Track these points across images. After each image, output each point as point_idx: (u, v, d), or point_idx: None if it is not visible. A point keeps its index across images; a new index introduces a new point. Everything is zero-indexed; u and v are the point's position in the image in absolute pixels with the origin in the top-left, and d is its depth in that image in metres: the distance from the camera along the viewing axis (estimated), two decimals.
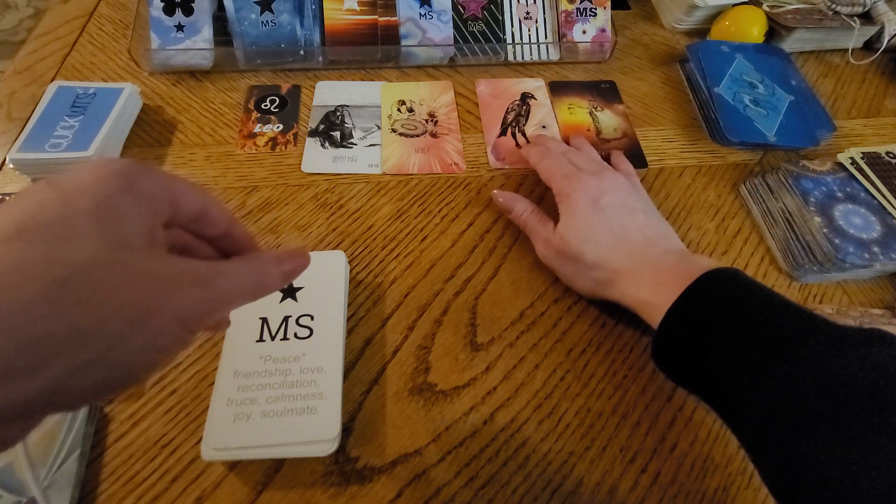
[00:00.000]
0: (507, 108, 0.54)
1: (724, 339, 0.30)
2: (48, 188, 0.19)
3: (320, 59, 0.56)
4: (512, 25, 0.58)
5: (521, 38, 0.58)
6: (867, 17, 0.61)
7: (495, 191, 0.45)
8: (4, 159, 0.46)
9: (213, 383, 0.33)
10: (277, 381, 0.33)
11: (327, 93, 0.54)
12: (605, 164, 0.44)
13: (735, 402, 0.29)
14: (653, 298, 0.34)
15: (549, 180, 0.42)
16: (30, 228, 0.18)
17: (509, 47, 0.58)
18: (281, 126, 0.51)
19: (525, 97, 0.55)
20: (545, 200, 0.47)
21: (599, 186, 0.40)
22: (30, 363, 0.16)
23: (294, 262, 0.24)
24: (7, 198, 0.42)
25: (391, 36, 0.55)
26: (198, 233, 0.24)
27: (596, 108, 0.55)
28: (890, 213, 0.42)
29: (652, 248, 0.37)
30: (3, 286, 0.16)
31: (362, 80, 0.56)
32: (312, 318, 0.36)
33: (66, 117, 0.45)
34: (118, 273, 0.18)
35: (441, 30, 0.56)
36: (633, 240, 0.37)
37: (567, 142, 0.49)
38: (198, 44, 0.53)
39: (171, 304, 0.19)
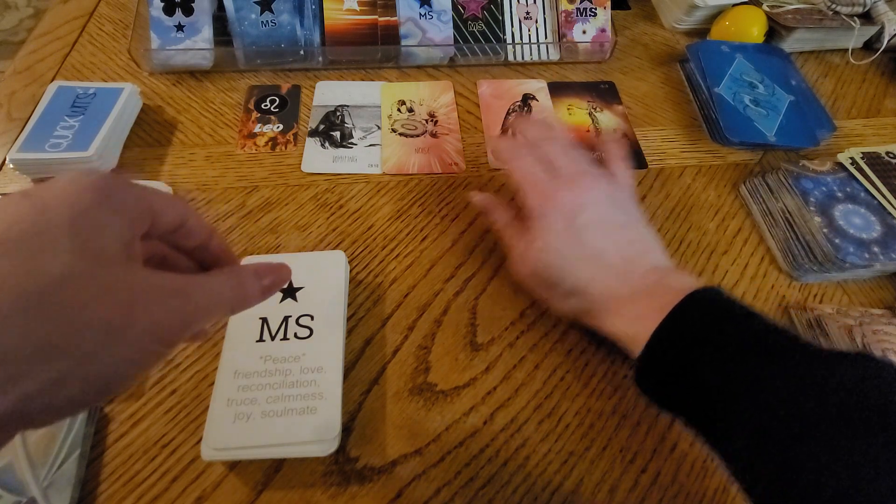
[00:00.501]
0: (509, 109, 0.54)
1: (715, 352, 0.29)
2: (23, 201, 0.19)
3: (320, 59, 0.56)
4: (512, 25, 0.58)
5: (521, 38, 0.58)
6: (867, 17, 0.61)
7: (472, 192, 0.43)
8: (4, 159, 0.46)
9: (213, 383, 0.33)
10: (277, 381, 0.33)
11: (327, 93, 0.54)
12: (586, 162, 0.39)
13: (729, 413, 0.28)
14: (634, 332, 0.32)
15: (528, 189, 0.38)
16: (4, 241, 0.17)
17: (509, 47, 0.58)
18: (281, 126, 0.51)
19: (526, 98, 0.55)
20: None
21: (577, 201, 0.36)
22: (1, 378, 0.16)
23: (274, 276, 0.24)
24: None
25: (391, 36, 0.55)
26: (176, 244, 0.24)
27: (595, 109, 0.55)
28: (890, 213, 0.42)
29: (630, 273, 0.35)
30: None
31: (362, 80, 0.56)
32: (312, 318, 0.36)
33: (66, 117, 0.45)
34: (93, 286, 0.18)
35: (441, 30, 0.56)
36: (610, 265, 0.35)
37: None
38: (198, 44, 0.53)
39: (147, 317, 0.19)
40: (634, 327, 0.32)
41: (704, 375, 0.29)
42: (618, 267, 0.35)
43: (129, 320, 0.19)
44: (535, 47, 0.58)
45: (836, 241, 0.40)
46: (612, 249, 0.36)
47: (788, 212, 0.44)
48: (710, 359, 0.29)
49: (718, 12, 0.62)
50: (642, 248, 0.36)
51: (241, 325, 0.35)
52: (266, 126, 0.51)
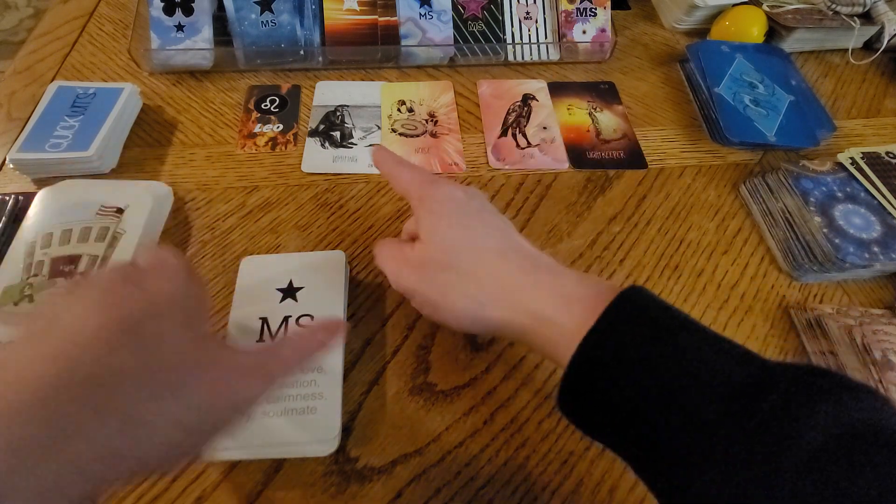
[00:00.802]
0: (509, 109, 0.54)
1: (661, 378, 0.24)
2: (136, 291, 0.22)
3: (320, 59, 0.56)
4: (512, 25, 0.58)
5: (521, 38, 0.58)
6: (867, 17, 0.61)
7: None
8: (4, 159, 0.46)
9: None
10: None
11: (327, 93, 0.54)
12: None
13: (689, 450, 0.22)
14: (557, 316, 0.27)
15: (407, 186, 0.33)
16: (131, 328, 0.21)
17: (509, 47, 0.57)
18: (281, 126, 0.51)
19: (526, 98, 0.55)
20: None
21: (465, 189, 0.32)
22: (130, 443, 0.20)
23: (328, 334, 0.27)
24: (7, 198, 0.42)
25: (391, 36, 0.55)
26: None
27: (595, 109, 0.55)
28: (890, 213, 0.42)
29: (541, 258, 0.30)
30: (108, 384, 0.19)
31: (362, 80, 0.56)
32: (312, 318, 0.35)
33: (66, 117, 0.46)
34: (199, 368, 0.22)
35: (441, 30, 0.56)
36: (517, 246, 0.30)
37: None
38: (198, 44, 0.53)
39: (236, 395, 0.23)
40: (558, 311, 0.27)
41: (661, 395, 0.23)
42: (527, 251, 0.30)
43: (222, 399, 0.22)
44: (535, 47, 0.58)
45: (836, 241, 0.40)
46: (514, 233, 0.31)
47: (788, 212, 0.44)
48: (658, 383, 0.23)
49: (718, 12, 0.61)
50: (526, 246, 0.32)
51: (242, 326, 0.35)
52: (266, 126, 0.51)
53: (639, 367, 0.24)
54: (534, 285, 0.28)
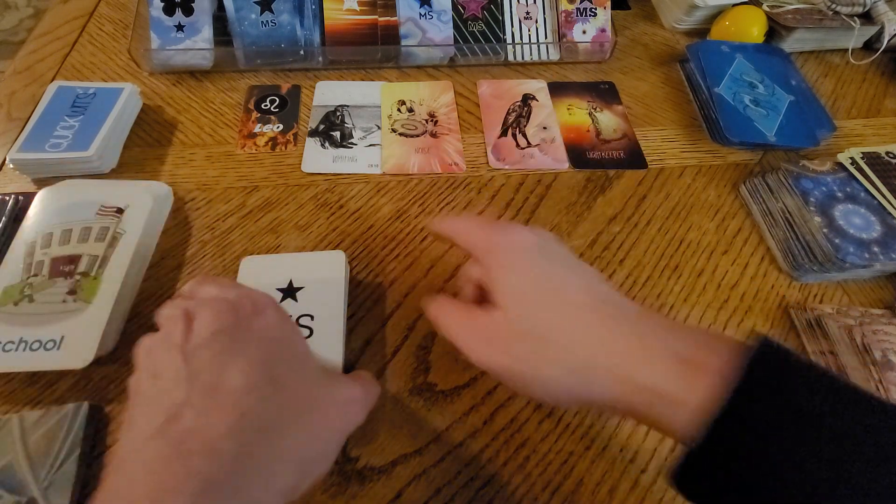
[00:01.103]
0: (509, 109, 0.54)
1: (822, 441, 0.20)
2: (248, 332, 0.25)
3: (320, 59, 0.56)
4: (512, 25, 0.58)
5: (521, 38, 0.58)
6: (867, 17, 0.61)
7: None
8: (4, 159, 0.46)
9: None
10: None
11: (327, 93, 0.54)
12: None
13: None
14: (673, 390, 0.22)
15: (470, 237, 0.29)
16: (264, 372, 0.24)
17: (509, 47, 0.58)
18: (281, 126, 0.51)
19: (526, 98, 0.55)
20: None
21: (535, 231, 0.29)
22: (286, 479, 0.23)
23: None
24: (7, 198, 0.42)
25: (391, 36, 0.55)
26: None
27: (595, 109, 0.55)
28: (890, 213, 0.42)
29: (633, 308, 0.26)
30: (270, 426, 0.23)
31: (362, 80, 0.56)
32: (312, 318, 0.36)
33: (66, 117, 0.46)
34: (319, 403, 0.25)
35: (441, 30, 0.56)
36: (606, 297, 0.26)
37: None
38: (198, 44, 0.53)
39: (347, 423, 0.26)
40: (672, 381, 0.23)
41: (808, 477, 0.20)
42: (617, 302, 0.26)
43: (336, 429, 0.26)
44: (535, 47, 0.58)
45: (836, 241, 0.40)
46: (598, 280, 0.27)
47: (788, 212, 0.44)
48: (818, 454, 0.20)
49: (718, 12, 0.61)
50: (618, 295, 0.27)
51: None
52: (266, 126, 0.51)
53: (779, 446, 0.20)
54: (637, 348, 0.24)
